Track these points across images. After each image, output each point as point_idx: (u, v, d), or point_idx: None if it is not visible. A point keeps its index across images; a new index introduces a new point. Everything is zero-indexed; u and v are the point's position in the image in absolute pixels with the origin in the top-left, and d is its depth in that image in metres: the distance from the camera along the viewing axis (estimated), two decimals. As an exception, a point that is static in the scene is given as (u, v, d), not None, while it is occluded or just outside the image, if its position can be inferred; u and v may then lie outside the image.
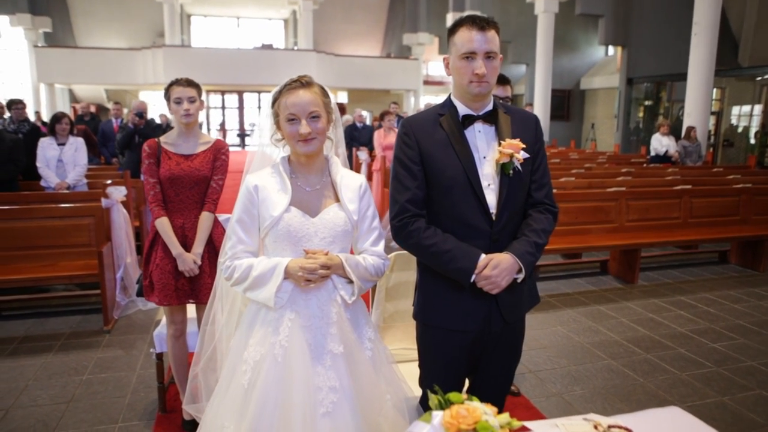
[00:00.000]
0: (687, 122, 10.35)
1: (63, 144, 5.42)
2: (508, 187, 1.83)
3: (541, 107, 14.86)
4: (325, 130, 1.77)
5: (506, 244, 1.84)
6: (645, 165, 9.20)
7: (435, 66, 27.48)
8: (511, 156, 1.81)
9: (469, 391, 2.13)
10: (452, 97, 1.91)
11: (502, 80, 3.01)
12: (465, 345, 1.89)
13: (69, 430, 2.96)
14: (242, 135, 26.63)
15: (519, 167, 1.84)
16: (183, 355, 2.89)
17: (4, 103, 6.73)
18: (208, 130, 25.82)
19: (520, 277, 1.81)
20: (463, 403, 1.22)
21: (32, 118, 13.31)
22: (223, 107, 26.60)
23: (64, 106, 20.73)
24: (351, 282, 1.78)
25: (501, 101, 2.96)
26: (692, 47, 10.41)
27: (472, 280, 1.78)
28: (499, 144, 1.85)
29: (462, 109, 1.88)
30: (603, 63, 19.20)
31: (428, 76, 27.01)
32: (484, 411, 1.18)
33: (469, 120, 1.87)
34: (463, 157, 1.82)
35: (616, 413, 3.14)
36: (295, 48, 24.88)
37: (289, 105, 1.71)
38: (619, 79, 16.15)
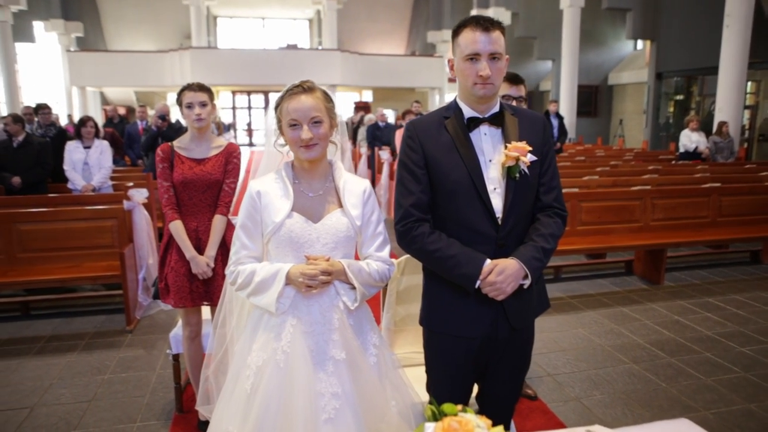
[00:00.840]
0: (719, 117, 10.04)
1: (88, 147, 5.55)
2: (514, 191, 1.80)
3: (567, 103, 14.61)
4: (327, 136, 1.76)
5: (513, 249, 1.80)
6: (674, 162, 8.97)
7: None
8: (518, 159, 1.77)
9: (478, 398, 2.10)
10: (458, 100, 1.88)
11: (516, 79, 2.96)
12: (471, 351, 1.86)
13: (90, 428, 3.02)
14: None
15: (526, 170, 1.80)
16: (198, 356, 2.92)
17: (32, 108, 6.91)
18: (235, 130, 26.18)
19: (527, 283, 1.77)
20: (457, 415, 1.20)
21: (64, 121, 13.69)
22: (249, 107, 26.92)
23: (96, 109, 21.27)
24: (354, 288, 1.77)
25: (513, 100, 2.95)
26: (724, 39, 10.10)
27: (476, 286, 1.75)
28: (506, 147, 1.81)
29: (467, 112, 1.84)
30: (631, 57, 18.79)
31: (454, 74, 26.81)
32: (477, 424, 1.15)
33: (474, 122, 1.83)
34: (468, 160, 1.79)
35: (637, 419, 3.08)
36: (320, 48, 25.00)
37: (290, 110, 1.71)
38: (648, 73, 15.79)
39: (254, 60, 21.99)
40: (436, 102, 22.99)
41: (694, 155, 9.03)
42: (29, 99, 18.05)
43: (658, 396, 3.32)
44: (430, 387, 2.00)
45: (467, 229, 1.80)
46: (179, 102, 2.75)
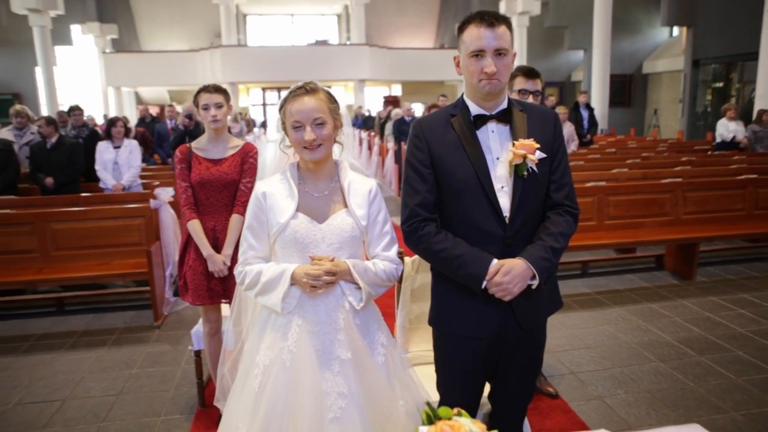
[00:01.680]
0: (759, 105, 9.66)
1: (118, 147, 5.70)
2: (522, 190, 1.76)
3: (599, 94, 14.26)
4: (331, 137, 1.76)
5: (521, 248, 1.77)
6: (710, 152, 8.67)
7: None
8: (525, 157, 1.74)
9: (490, 397, 2.08)
10: (464, 97, 1.85)
11: (532, 73, 2.91)
12: (480, 352, 1.84)
13: (116, 421, 3.12)
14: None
15: (534, 168, 1.77)
16: (218, 352, 2.96)
17: (65, 111, 7.13)
18: (265, 126, 26.48)
19: (535, 283, 1.74)
20: (451, 419, 1.19)
21: (102, 121, 14.08)
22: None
23: (131, 108, 21.81)
24: (360, 288, 1.77)
25: (530, 95, 2.90)
26: (765, 24, 9.70)
27: (483, 287, 1.73)
28: (513, 144, 1.78)
29: (474, 109, 1.82)
30: (667, 45, 18.22)
31: (482, 66, 26.50)
32: (470, 428, 1.14)
33: (481, 120, 1.80)
34: (475, 159, 1.77)
35: (662, 420, 3.01)
36: (348, 43, 25.04)
37: (294, 112, 1.71)
38: (684, 61, 15.29)
39: (283, 56, 22.17)
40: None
41: (731, 145, 8.72)
42: (67, 100, 18.63)
43: (684, 396, 3.22)
44: (440, 386, 1.99)
45: (474, 228, 1.78)
46: (196, 103, 2.80)
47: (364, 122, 18.55)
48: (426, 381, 2.30)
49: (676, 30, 17.69)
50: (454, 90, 23.81)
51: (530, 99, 2.91)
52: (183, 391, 3.42)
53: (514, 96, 2.95)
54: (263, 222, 1.79)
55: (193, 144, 2.85)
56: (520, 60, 18.72)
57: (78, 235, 4.57)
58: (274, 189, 1.79)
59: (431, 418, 1.21)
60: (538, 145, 1.75)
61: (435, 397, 2.06)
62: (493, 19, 1.71)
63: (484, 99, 1.79)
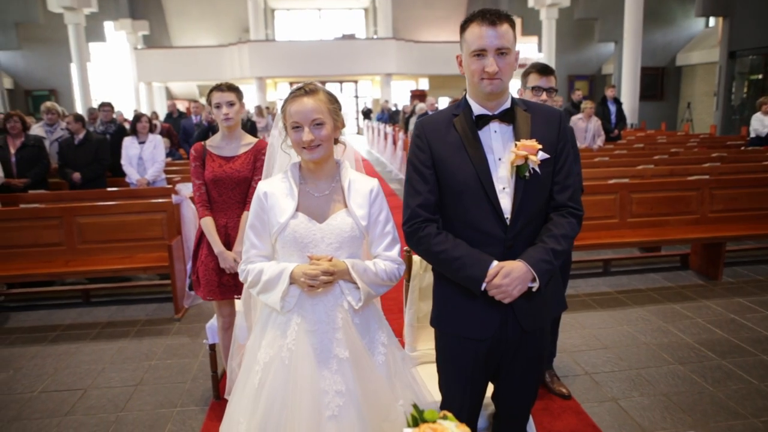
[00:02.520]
0: (797, 99, 9.28)
1: (143, 142, 5.82)
2: (523, 191, 1.74)
3: (629, 87, 13.94)
4: (330, 137, 1.76)
5: (522, 250, 1.75)
6: (743, 148, 8.40)
7: (519, 47, 26.52)
8: (526, 158, 1.72)
9: (493, 398, 2.07)
10: (467, 97, 1.84)
11: (545, 70, 2.87)
12: (480, 353, 1.83)
13: (134, 411, 3.21)
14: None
15: (537, 169, 1.75)
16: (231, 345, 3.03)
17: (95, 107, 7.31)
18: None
19: (535, 286, 1.72)
20: (435, 422, 1.19)
21: (131, 117, 14.40)
22: (307, 98, 27.32)
23: (161, 103, 22.24)
24: (359, 288, 1.78)
25: (543, 92, 2.85)
26: (804, 14, 9.31)
27: (483, 289, 1.72)
28: (516, 145, 1.76)
29: (476, 109, 1.80)
30: (702, 36, 17.69)
31: (511, 59, 26.17)
32: (452, 432, 1.14)
33: (484, 120, 1.79)
34: (476, 159, 1.75)
35: (676, 424, 2.95)
36: (375, 37, 25.01)
37: (293, 113, 1.73)
38: (719, 52, 14.81)
39: (311, 51, 22.31)
40: (492, 88, 22.45)
41: (766, 140, 8.43)
42: (101, 95, 19.10)
43: (702, 400, 3.15)
44: (441, 386, 2.00)
45: (475, 230, 1.77)
46: (209, 102, 2.84)
47: (390, 117, 18.54)
48: (433, 380, 2.30)
49: (711, 20, 17.14)
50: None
51: (543, 96, 2.86)
52: (199, 384, 3.49)
53: (528, 93, 2.93)
54: (265, 221, 1.81)
55: (208, 141, 2.90)
56: (549, 53, 18.45)
57: (103, 229, 4.70)
58: (275, 189, 1.81)
59: (416, 420, 1.21)
60: (540, 146, 1.73)
61: (438, 396, 2.07)
62: (495, 17, 1.69)
63: (486, 99, 1.77)
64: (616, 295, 4.79)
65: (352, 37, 24.34)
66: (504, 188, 1.76)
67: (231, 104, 2.81)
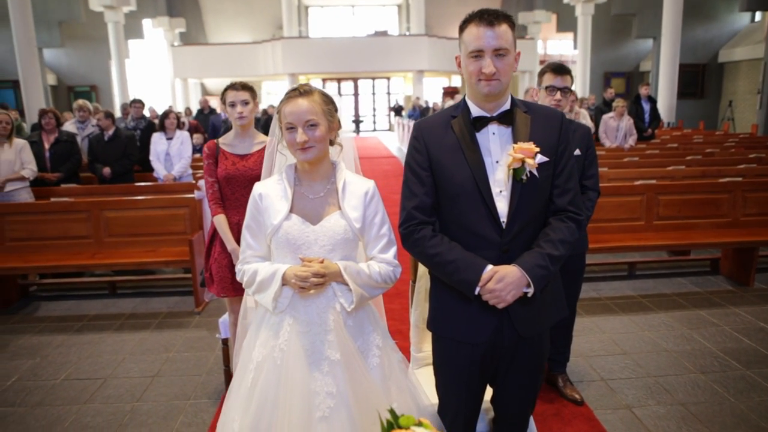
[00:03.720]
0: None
1: (171, 138, 5.95)
2: (520, 195, 1.71)
3: (666, 84, 13.52)
4: (323, 138, 1.76)
5: (518, 255, 1.72)
6: (784, 149, 8.06)
7: (553, 44, 26.13)
8: (523, 160, 1.69)
9: (492, 402, 2.05)
10: (466, 98, 1.81)
11: (560, 69, 2.81)
12: (476, 357, 1.81)
13: (149, 402, 3.29)
14: (357, 121, 27.43)
15: (535, 173, 1.71)
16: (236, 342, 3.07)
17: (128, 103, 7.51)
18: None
19: (530, 291, 1.69)
20: (410, 429, 1.18)
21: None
22: (339, 95, 27.42)
23: (196, 99, 22.68)
24: (352, 290, 1.78)
25: (558, 91, 2.79)
26: None
27: (476, 293, 1.70)
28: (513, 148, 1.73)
29: (475, 111, 1.78)
30: (747, 31, 17.02)
31: (546, 56, 25.80)
32: (422, 440, 1.13)
33: (482, 122, 1.76)
34: (473, 162, 1.73)
35: (692, 435, 2.85)
36: (408, 33, 24.93)
37: (287, 114, 1.74)
38: (765, 48, 14.22)
39: (343, 48, 22.39)
40: (526, 85, 22.17)
41: (809, 141, 8.07)
42: (138, 91, 19.63)
43: (722, 411, 3.04)
44: (438, 389, 1.98)
45: (470, 233, 1.75)
46: (223, 100, 2.88)
47: (421, 113, 18.50)
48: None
49: (758, 15, 16.47)
50: (515, 80, 23.27)
51: (558, 96, 2.81)
52: (213, 377, 3.55)
53: (542, 93, 2.87)
54: (260, 222, 1.83)
55: (221, 139, 2.94)
56: (585, 50, 18.06)
57: (128, 223, 4.83)
58: (270, 190, 1.83)
59: (391, 425, 1.21)
60: (537, 149, 1.69)
61: (436, 400, 2.06)
62: (493, 17, 1.66)
63: (484, 100, 1.75)
64: (639, 299, 4.67)
65: (384, 33, 24.33)
66: (501, 191, 1.73)
67: (245, 103, 2.84)
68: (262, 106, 15.52)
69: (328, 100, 1.79)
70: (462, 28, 1.74)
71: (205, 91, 24.41)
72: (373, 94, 27.52)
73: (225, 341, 3.28)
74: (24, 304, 4.93)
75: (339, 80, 26.86)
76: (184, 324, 4.41)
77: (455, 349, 1.83)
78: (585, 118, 6.85)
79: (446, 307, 1.83)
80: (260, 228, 1.83)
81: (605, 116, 8.24)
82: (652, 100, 9.24)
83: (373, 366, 1.84)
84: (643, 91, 9.27)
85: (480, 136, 1.77)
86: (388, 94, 27.19)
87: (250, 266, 1.84)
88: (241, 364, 1.89)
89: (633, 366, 3.56)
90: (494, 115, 1.76)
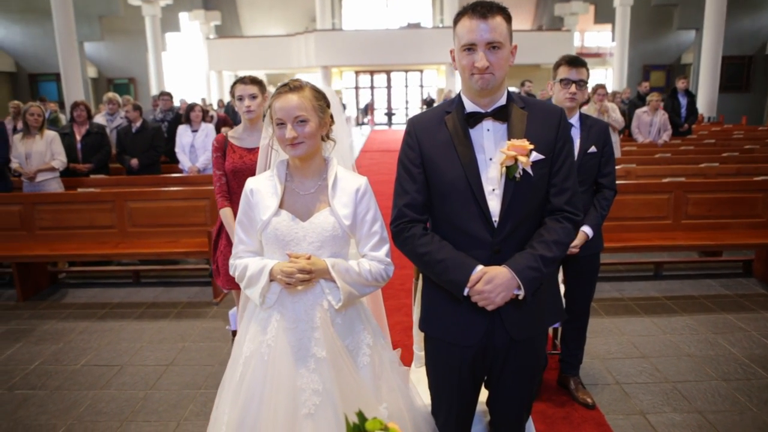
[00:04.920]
0: None
1: (196, 131, 6.04)
2: (513, 193, 1.66)
3: (708, 77, 13.01)
4: (314, 134, 1.74)
5: (510, 256, 1.67)
6: (831, 146, 7.66)
7: (591, 36, 25.46)
8: (516, 158, 1.63)
9: (487, 404, 2.00)
10: (461, 93, 1.76)
11: (574, 62, 2.71)
12: (466, 359, 1.77)
13: (162, 390, 3.35)
14: (389, 114, 27.40)
15: (529, 171, 1.65)
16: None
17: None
18: (358, 109, 26.96)
19: (521, 294, 1.63)
20: (374, 434, 1.15)
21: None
22: (372, 87, 27.50)
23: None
24: (340, 287, 1.76)
25: (573, 84, 2.69)
26: None
27: (465, 294, 1.65)
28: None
29: (469, 106, 1.72)
30: (797, 21, 16.21)
31: (583, 48, 25.17)
32: (385, 446, 1.10)
33: (476, 118, 1.71)
34: (465, 159, 1.68)
35: (709, 445, 2.74)
36: (441, 25, 24.68)
37: (276, 109, 1.72)
38: (816, 40, 13.55)
39: (376, 40, 22.33)
40: (560, 79, 21.63)
41: None
42: (174, 83, 20.04)
43: (743, 421, 2.91)
44: (430, 389, 1.95)
45: (461, 232, 1.70)
46: (232, 94, 2.89)
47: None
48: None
49: (809, 5, 15.68)
50: (549, 74, 22.77)
51: (573, 89, 2.71)
52: (225, 368, 3.57)
53: (557, 86, 2.78)
54: (251, 218, 1.82)
55: (230, 133, 2.96)
56: (623, 42, 17.54)
57: (151, 214, 4.93)
58: (261, 186, 1.82)
59: (358, 428, 1.18)
60: (531, 146, 1.63)
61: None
62: (486, 10, 1.61)
63: (478, 95, 1.69)
64: (664, 300, 4.51)
65: (417, 26, 24.15)
66: (494, 190, 1.68)
67: (253, 97, 2.84)
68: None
69: (319, 96, 1.77)
70: (456, 21, 1.69)
71: (239, 84, 24.75)
72: (406, 86, 27.40)
73: (234, 333, 3.31)
74: (53, 291, 5.10)
75: (372, 73, 26.84)
76: (201, 314, 4.48)
77: (446, 350, 1.79)
78: (615, 112, 6.64)
79: (437, 307, 1.79)
80: (251, 223, 1.83)
81: (638, 111, 7.99)
82: (690, 94, 8.90)
83: (363, 365, 1.82)
84: (680, 84, 8.94)
85: (474, 132, 1.71)
86: (421, 86, 27.03)
87: (241, 261, 1.84)
88: (233, 358, 1.90)
89: (651, 370, 3.44)
90: (488, 110, 1.71)
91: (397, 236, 1.76)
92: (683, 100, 8.85)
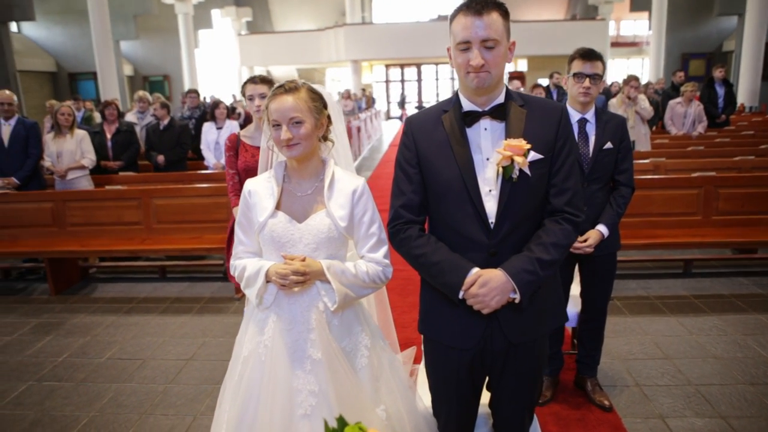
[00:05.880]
0: None
1: (220, 128, 6.13)
2: (509, 194, 1.62)
3: (750, 65, 12.49)
4: (309, 136, 1.73)
5: (507, 258, 1.63)
6: None
7: (627, 25, 24.73)
8: (512, 158, 1.59)
9: (490, 406, 1.97)
10: (459, 92, 1.73)
11: (589, 55, 2.62)
12: (464, 362, 1.74)
13: (180, 384, 3.43)
14: (420, 107, 27.27)
15: (527, 171, 1.61)
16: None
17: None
18: (388, 103, 26.92)
19: (516, 298, 1.60)
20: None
21: (230, 100, 15.22)
22: (402, 80, 27.40)
23: (262, 87, 23.32)
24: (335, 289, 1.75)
25: (586, 78, 2.61)
26: None
27: (461, 297, 1.63)
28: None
29: (466, 105, 1.69)
30: None
31: (619, 37, 24.50)
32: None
33: (473, 116, 1.67)
34: (461, 159, 1.65)
35: (731, 453, 2.64)
36: (471, 16, 24.35)
37: (272, 111, 1.72)
38: None
39: (406, 33, 22.21)
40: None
41: None
42: (207, 79, 20.39)
43: (768, 427, 2.79)
44: (430, 391, 1.93)
45: (457, 233, 1.67)
46: (243, 94, 2.91)
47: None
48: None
49: None
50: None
51: (587, 83, 2.63)
52: (242, 363, 3.65)
53: (571, 80, 2.71)
54: (250, 219, 1.83)
55: (242, 132, 2.99)
56: (660, 29, 17.00)
57: (175, 211, 5.03)
58: (259, 187, 1.83)
59: (337, 434, 1.17)
60: (528, 146, 1.59)
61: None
62: (481, 6, 1.57)
63: (474, 94, 1.66)
64: (692, 299, 4.36)
65: (447, 18, 23.90)
66: (490, 190, 1.64)
67: (263, 96, 2.86)
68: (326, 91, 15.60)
69: (316, 97, 1.76)
70: (451, 18, 1.65)
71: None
72: (437, 79, 27.19)
73: (250, 329, 3.36)
74: (84, 285, 5.26)
75: (402, 66, 26.72)
76: (223, 309, 4.55)
77: (444, 352, 1.77)
78: (644, 102, 6.43)
79: (434, 309, 1.77)
80: (250, 224, 1.84)
81: (672, 102, 7.73)
82: (728, 84, 8.55)
83: (361, 366, 1.81)
84: (717, 73, 8.60)
85: (471, 131, 1.68)
86: (452, 79, 26.77)
87: (240, 261, 1.85)
88: (233, 357, 1.92)
89: (673, 372, 3.34)
90: (486, 109, 1.67)
91: (394, 237, 1.74)
92: (720, 90, 8.51)
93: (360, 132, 12.80)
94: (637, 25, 24.31)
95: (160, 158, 6.01)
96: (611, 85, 10.64)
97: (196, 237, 4.97)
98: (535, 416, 2.12)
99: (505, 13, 1.61)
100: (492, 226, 1.63)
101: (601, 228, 2.69)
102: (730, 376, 3.27)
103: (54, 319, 4.51)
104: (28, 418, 3.11)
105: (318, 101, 1.76)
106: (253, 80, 2.88)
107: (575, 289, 3.05)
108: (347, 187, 1.80)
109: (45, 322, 4.46)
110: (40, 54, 17.99)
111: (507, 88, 1.71)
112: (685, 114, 7.55)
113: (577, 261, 2.87)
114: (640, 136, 6.41)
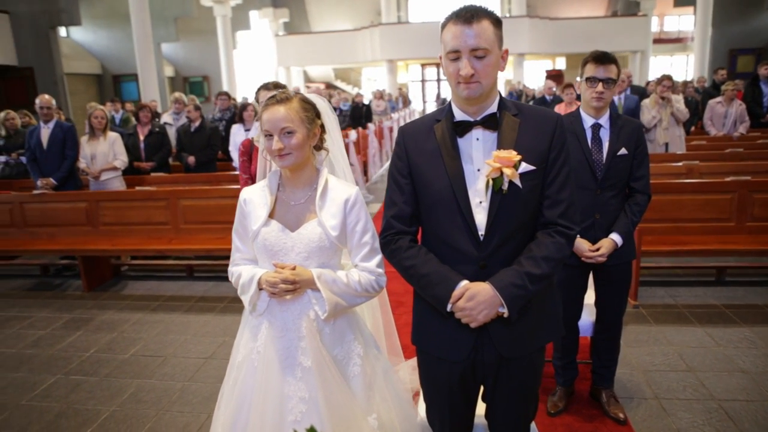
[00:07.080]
0: None
1: (249, 129, 6.22)
2: (499, 206, 1.59)
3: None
4: (301, 146, 1.74)
5: (497, 271, 1.61)
6: None
7: (671, 20, 23.92)
8: (501, 170, 1.56)
9: (486, 417, 1.95)
10: (451, 101, 1.71)
11: (602, 59, 2.55)
12: (455, 375, 1.73)
13: (198, 382, 3.51)
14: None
15: (517, 183, 1.58)
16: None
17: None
18: (424, 102, 26.83)
19: (505, 312, 1.57)
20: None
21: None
22: (438, 80, 27.24)
23: (300, 87, 23.58)
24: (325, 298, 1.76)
25: (599, 83, 2.54)
26: None
27: (449, 310, 1.61)
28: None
29: (458, 115, 1.67)
30: None
31: (662, 33, 23.74)
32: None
33: (465, 126, 1.65)
34: (452, 169, 1.63)
35: (751, 473, 2.53)
36: (508, 15, 24.02)
37: (264, 121, 1.74)
38: None
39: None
40: (637, 68, 20.53)
41: None
42: (245, 80, 20.76)
43: (794, 447, 2.66)
44: (425, 400, 1.92)
45: (448, 245, 1.66)
46: (257, 100, 2.95)
47: (518, 98, 17.83)
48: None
49: None
50: (624, 61, 21.65)
51: (600, 87, 2.56)
52: (259, 363, 3.71)
53: (584, 86, 2.64)
54: (245, 227, 1.86)
55: (255, 137, 3.03)
56: (705, 24, 16.39)
57: (201, 211, 5.15)
58: (254, 196, 1.85)
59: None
60: (519, 157, 1.56)
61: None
62: (470, 14, 1.54)
63: (465, 104, 1.64)
64: (722, 309, 4.19)
65: (484, 16, 23.61)
66: (480, 202, 1.62)
67: (275, 102, 2.89)
68: (362, 92, 15.68)
69: (308, 107, 1.77)
70: (442, 27, 1.63)
71: (307, 79, 25.27)
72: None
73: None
74: (115, 283, 5.45)
75: (438, 65, 26.56)
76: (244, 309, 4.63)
77: (435, 364, 1.76)
78: (678, 103, 6.20)
79: (425, 321, 1.76)
80: (245, 232, 1.87)
81: (711, 101, 7.43)
82: (774, 82, 8.16)
83: (353, 375, 1.82)
84: (762, 71, 8.21)
85: (463, 141, 1.66)
86: (488, 78, 26.44)
87: (237, 268, 1.89)
88: (231, 361, 1.96)
89: (696, 385, 3.22)
90: (477, 119, 1.64)
91: (385, 248, 1.74)
92: (766, 89, 8.13)
93: (392, 132, 12.80)
94: (681, 21, 23.50)
95: (191, 159, 6.16)
96: (647, 85, 10.29)
97: (221, 237, 5.07)
98: (535, 428, 2.08)
99: (496, 22, 1.58)
100: (482, 238, 1.61)
101: (615, 237, 2.62)
102: (757, 392, 3.13)
103: (85, 314, 4.68)
104: (54, 411, 3.25)
105: (310, 111, 1.77)
106: (266, 86, 2.92)
107: (590, 297, 2.97)
108: (340, 196, 1.81)
109: (77, 317, 4.63)
110: (86, 57, 18.68)
111: (501, 96, 1.68)
112: (726, 114, 7.25)
113: (591, 270, 2.80)
114: (675, 138, 6.19)
